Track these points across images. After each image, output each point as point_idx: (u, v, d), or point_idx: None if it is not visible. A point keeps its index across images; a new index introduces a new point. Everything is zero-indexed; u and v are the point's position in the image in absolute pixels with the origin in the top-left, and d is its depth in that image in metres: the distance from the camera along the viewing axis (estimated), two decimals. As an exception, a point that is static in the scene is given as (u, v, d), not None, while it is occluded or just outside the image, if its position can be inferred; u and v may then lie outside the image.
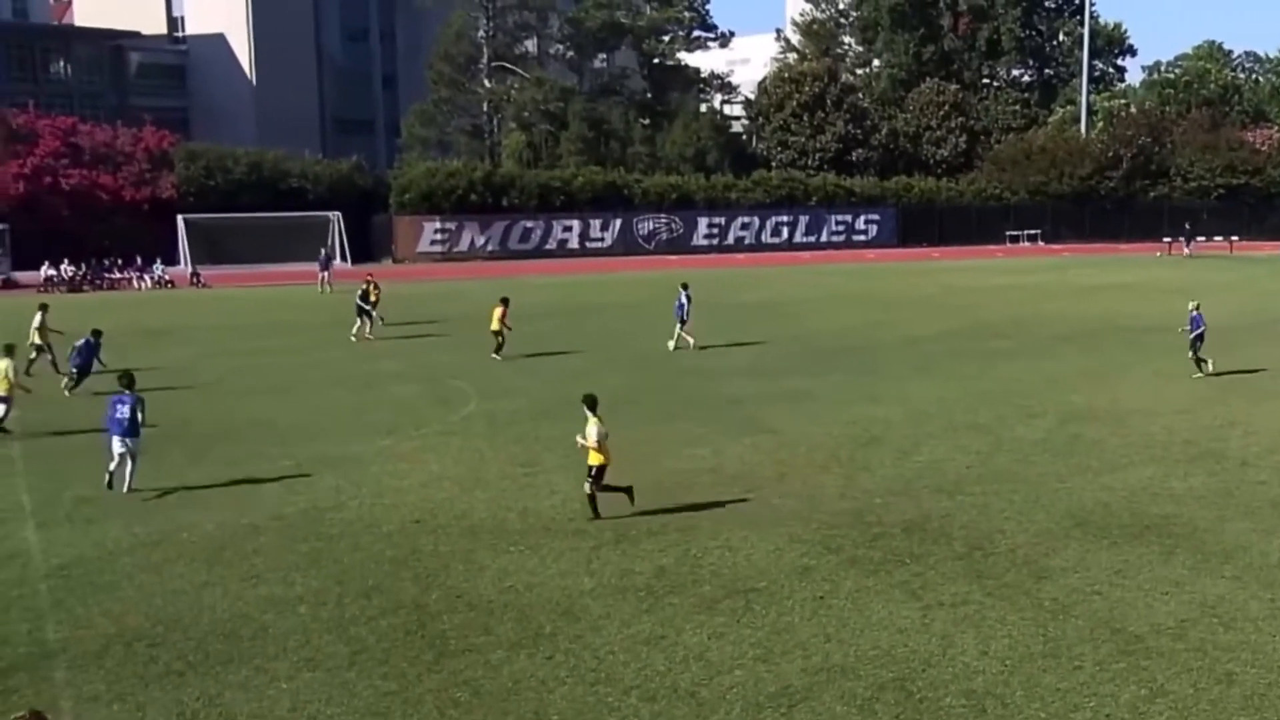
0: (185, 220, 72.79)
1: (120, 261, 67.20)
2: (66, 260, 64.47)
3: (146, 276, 65.67)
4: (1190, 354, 30.17)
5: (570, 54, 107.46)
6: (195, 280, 65.63)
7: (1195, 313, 30.45)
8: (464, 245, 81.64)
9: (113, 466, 19.68)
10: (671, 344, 36.18)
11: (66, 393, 28.83)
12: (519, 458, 21.78)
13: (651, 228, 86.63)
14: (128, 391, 19.90)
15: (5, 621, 14.09)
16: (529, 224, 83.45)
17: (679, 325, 36.53)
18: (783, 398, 27.47)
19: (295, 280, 60.10)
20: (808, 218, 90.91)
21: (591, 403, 18.08)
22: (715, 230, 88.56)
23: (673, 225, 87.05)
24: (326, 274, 59.65)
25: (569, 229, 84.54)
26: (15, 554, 16.55)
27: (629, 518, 17.73)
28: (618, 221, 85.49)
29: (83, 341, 29.76)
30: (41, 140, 75.76)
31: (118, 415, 19.57)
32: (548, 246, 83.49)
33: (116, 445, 19.55)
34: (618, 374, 31.20)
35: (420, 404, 27.47)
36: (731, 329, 41.14)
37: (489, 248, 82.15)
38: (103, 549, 16.70)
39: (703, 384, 29.57)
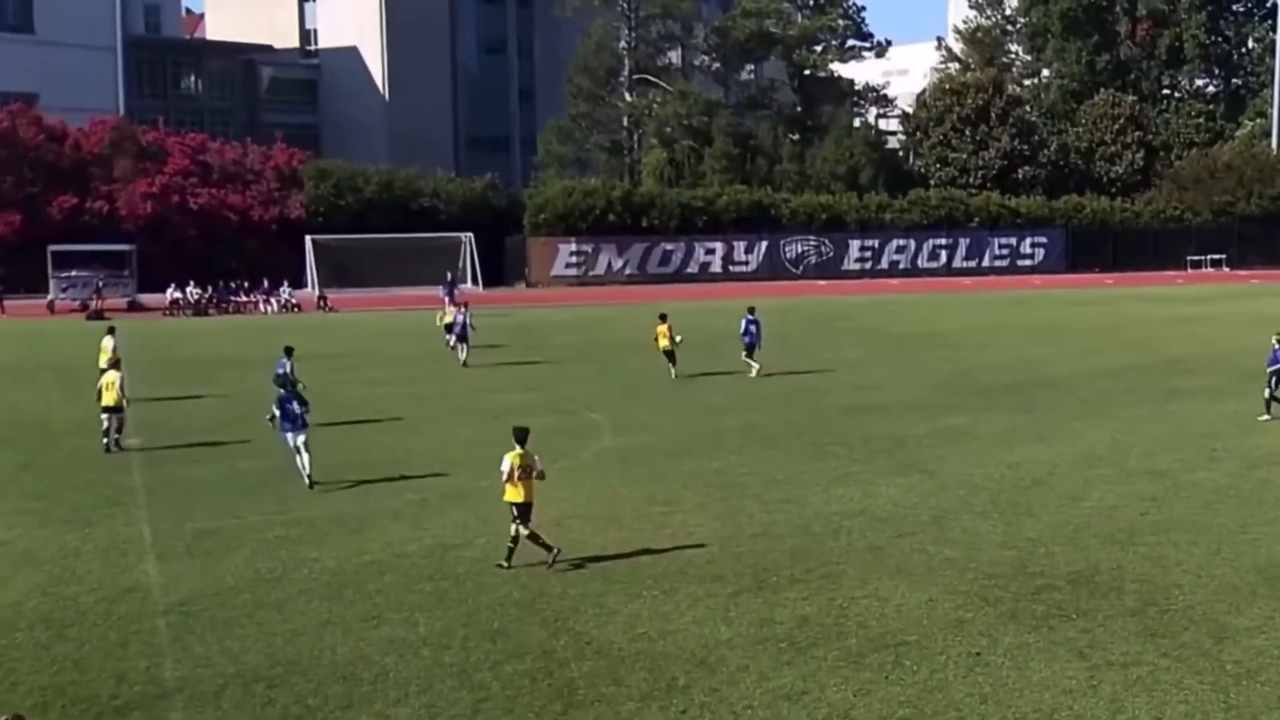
0: (313, 241, 74.58)
1: (246, 284, 68.99)
2: (192, 283, 66.35)
3: (273, 300, 67.26)
4: (1267, 391, 29.13)
5: (716, 65, 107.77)
6: (322, 304, 67.13)
7: (1278, 345, 29.30)
8: (601, 269, 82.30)
9: (302, 464, 22.70)
10: (753, 373, 36.79)
11: (270, 422, 27.67)
12: (654, 496, 21.83)
13: (800, 250, 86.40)
14: (291, 389, 23.57)
15: (123, 657, 14.52)
16: (669, 246, 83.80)
17: (745, 353, 37.26)
18: (940, 436, 27.15)
19: (424, 304, 60.99)
20: (968, 241, 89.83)
21: (519, 435, 18.06)
22: (868, 254, 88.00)
23: (822, 248, 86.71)
24: (451, 297, 60.45)
25: (712, 251, 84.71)
26: (134, 588, 17.05)
27: (770, 562, 17.63)
28: (764, 243, 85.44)
29: (284, 368, 29.15)
30: (170, 158, 78.36)
31: (296, 411, 22.85)
32: (689, 270, 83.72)
33: (293, 439, 22.72)
34: (761, 409, 31.14)
35: (551, 437, 27.58)
36: (884, 361, 40.84)
37: (627, 271, 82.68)
38: (223, 584, 17.13)
39: (853, 420, 29.36)
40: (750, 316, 37.78)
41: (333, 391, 34.61)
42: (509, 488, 17.80)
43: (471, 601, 16.28)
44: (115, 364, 28.70)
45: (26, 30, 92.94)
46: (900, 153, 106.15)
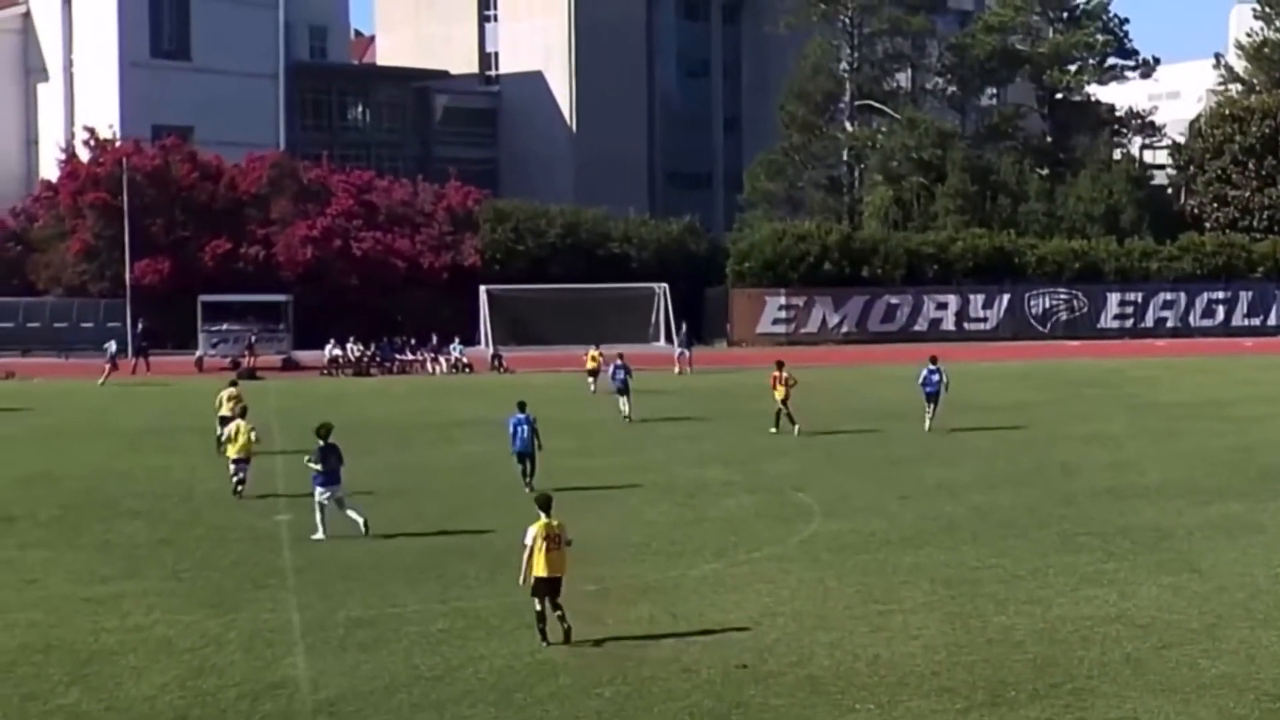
0: (488, 293, 75.73)
1: (413, 340, 70.05)
2: (353, 338, 67.66)
3: (441, 359, 68.27)
4: None
5: (951, 89, 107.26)
6: (496, 364, 68.04)
7: None
8: (814, 325, 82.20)
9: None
10: (926, 424, 40.46)
11: (525, 488, 29.43)
12: (871, 592, 21.61)
13: (1048, 305, 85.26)
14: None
15: (265, 763, 14.84)
16: (894, 299, 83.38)
17: (929, 404, 40.73)
18: (1214, 527, 26.46)
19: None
20: (1251, 294, 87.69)
21: (543, 503, 19.30)
22: (1129, 309, 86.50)
23: (1075, 302, 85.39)
24: (687, 354, 63.68)
25: (944, 306, 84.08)
26: (281, 684, 17.44)
27: (1008, 674, 17.27)
28: (1005, 297, 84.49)
29: (522, 421, 31.23)
30: (334, 198, 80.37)
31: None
32: (916, 327, 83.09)
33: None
34: (1000, 490, 30.71)
35: (754, 521, 27.63)
36: (1147, 436, 40.00)
37: (844, 328, 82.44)
38: (378, 682, 17.42)
39: (1108, 506, 28.76)
40: (933, 367, 41.20)
41: (504, 465, 35.03)
42: (538, 561, 18.70)
43: (657, 710, 16.27)
44: (243, 413, 31.57)
45: (183, 57, 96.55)
46: (1169, 190, 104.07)
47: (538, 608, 18.87)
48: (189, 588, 22.40)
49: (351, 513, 25.98)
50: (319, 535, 25.89)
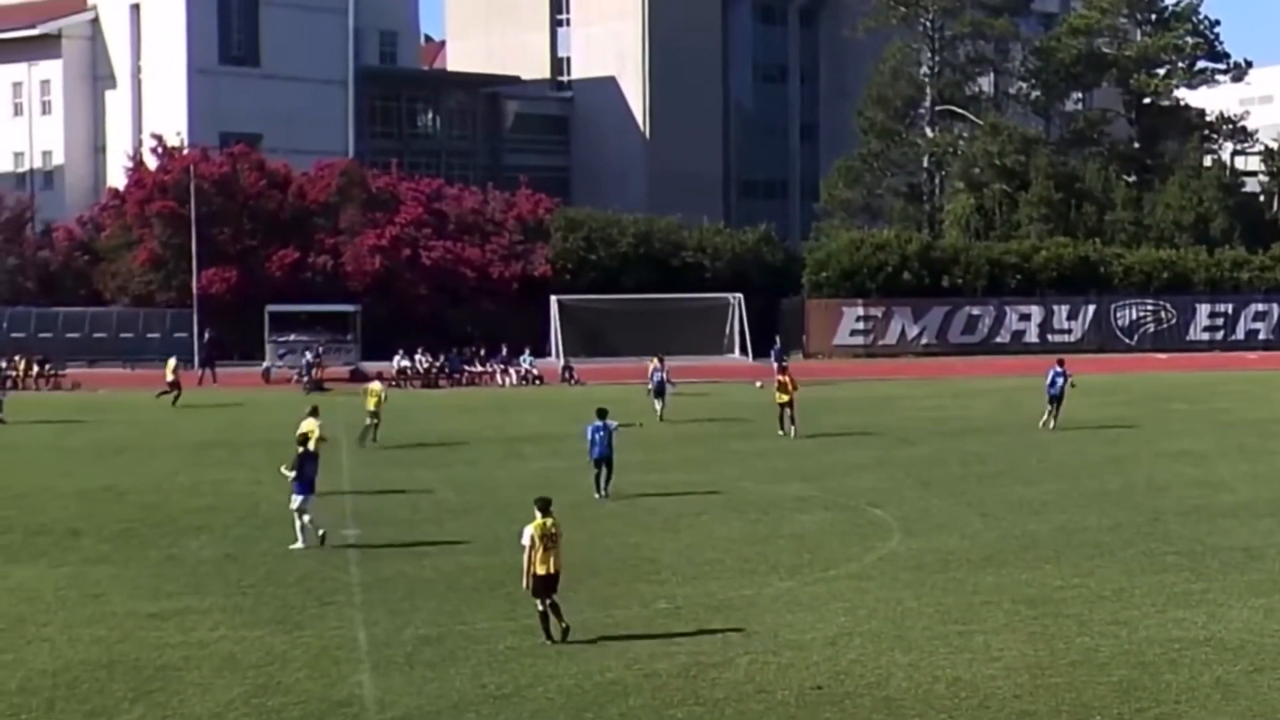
0: (559, 303, 75.92)
1: (482, 351, 70.30)
2: (422, 349, 68.00)
3: (511, 370, 68.43)
4: None
5: (1035, 94, 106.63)
6: (567, 375, 68.15)
7: None
8: (892, 337, 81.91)
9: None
10: (1050, 424, 44.79)
11: (597, 494, 32.38)
12: (951, 612, 21.52)
13: (1135, 317, 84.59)
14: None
15: (330, 783, 14.95)
16: (975, 310, 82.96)
17: (1051, 405, 44.87)
18: (1307, 547, 26.12)
19: (690, 376, 61.42)
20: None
21: (542, 504, 20.37)
22: (1219, 321, 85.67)
23: (1163, 314, 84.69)
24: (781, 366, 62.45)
25: (1027, 317, 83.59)
26: (347, 701, 17.57)
27: (1092, 698, 17.13)
28: (1091, 308, 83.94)
29: (601, 428, 32.74)
30: (403, 206, 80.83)
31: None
32: (999, 339, 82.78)
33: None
34: (1084, 509, 30.49)
35: (830, 538, 27.57)
36: (1237, 454, 39.64)
37: (924, 340, 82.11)
38: (445, 701, 17.51)
39: (1197, 525, 28.52)
40: (1059, 369, 45.29)
41: (575, 479, 35.11)
42: (537, 560, 19.79)
43: (730, 733, 16.28)
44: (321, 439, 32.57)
45: (252, 63, 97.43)
46: (1262, 197, 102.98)
47: (540, 608, 19.90)
48: (254, 603, 22.60)
49: (307, 518, 26.96)
50: (298, 545, 26.73)
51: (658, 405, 49.51)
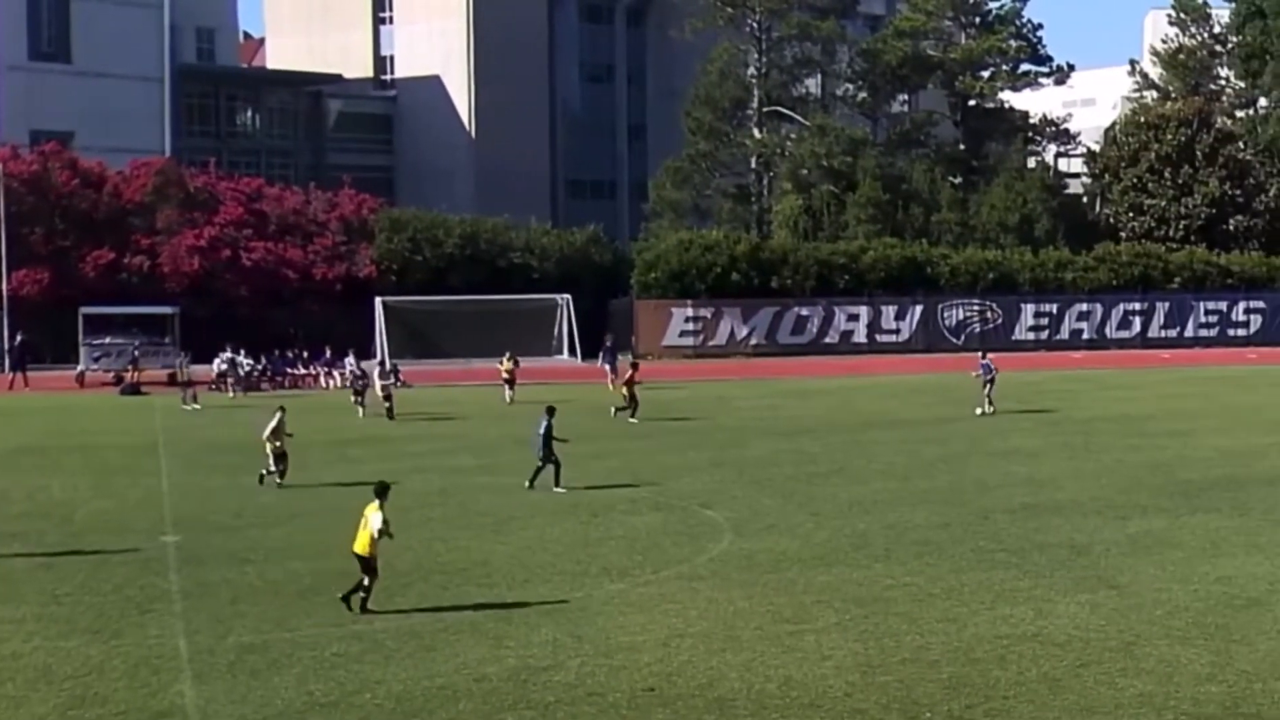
0: (384, 304, 75.39)
1: (305, 354, 69.61)
2: (243, 352, 67.09)
3: (336, 373, 67.75)
4: None
5: (862, 96, 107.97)
6: (393, 378, 67.52)
7: None
8: (721, 338, 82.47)
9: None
10: (979, 410, 48.49)
11: (527, 483, 33.61)
12: (782, 612, 21.71)
13: (961, 316, 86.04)
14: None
15: (151, 796, 14.68)
16: (804, 311, 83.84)
17: (985, 387, 49.02)
18: (1131, 543, 26.76)
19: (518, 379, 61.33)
20: (1168, 305, 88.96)
21: (381, 490, 22.26)
22: (1044, 320, 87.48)
23: (989, 314, 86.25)
24: (613, 367, 62.84)
25: (855, 317, 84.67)
26: (168, 712, 17.27)
27: (922, 695, 17.39)
28: (918, 308, 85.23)
29: (544, 426, 33.86)
30: (222, 206, 79.77)
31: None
32: (828, 339, 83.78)
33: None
34: (913, 507, 30.90)
35: (662, 539, 27.67)
36: (1063, 451, 40.43)
37: (753, 340, 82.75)
38: (270, 709, 17.30)
39: (1027, 523, 29.03)
40: (986, 361, 49.98)
41: (403, 482, 34.87)
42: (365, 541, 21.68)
43: (562, 736, 16.27)
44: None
45: (63, 59, 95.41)
46: (1084, 199, 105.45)
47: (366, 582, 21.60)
48: (70, 612, 22.10)
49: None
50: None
51: (507, 394, 54.64)
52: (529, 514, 30.69)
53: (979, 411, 48.97)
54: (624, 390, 48.60)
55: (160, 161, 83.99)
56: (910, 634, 20.36)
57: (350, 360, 68.31)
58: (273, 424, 34.71)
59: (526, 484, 33.46)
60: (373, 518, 21.68)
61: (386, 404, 50.84)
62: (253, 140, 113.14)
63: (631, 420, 47.37)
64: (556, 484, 33.24)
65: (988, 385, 49.54)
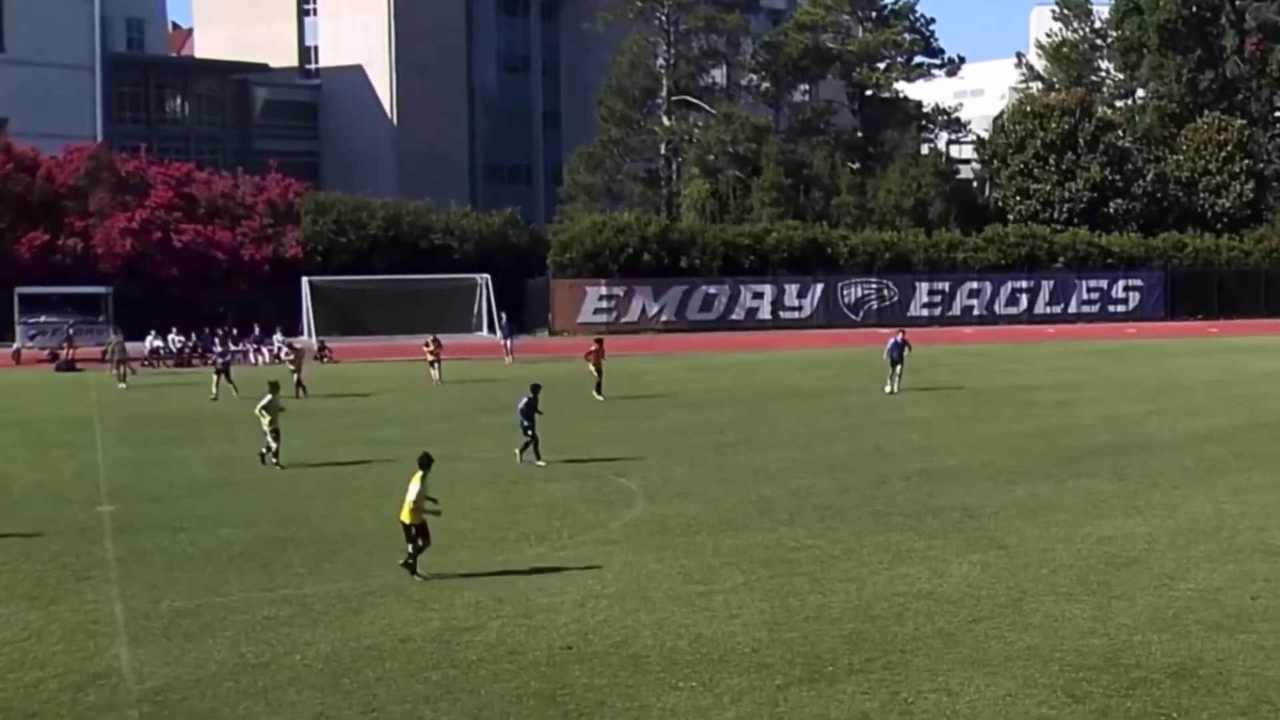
0: (310, 283, 74.94)
1: (235, 331, 69.07)
2: (175, 330, 66.57)
3: (264, 349, 67.29)
4: None
5: (765, 85, 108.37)
6: (321, 354, 67.25)
7: None
8: (634, 314, 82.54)
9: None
10: (888, 388, 46.76)
11: (518, 457, 32.71)
12: (692, 574, 21.76)
13: (860, 294, 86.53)
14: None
15: (89, 755, 14.54)
16: (712, 289, 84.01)
17: (892, 370, 47.03)
18: (1019, 507, 26.99)
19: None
20: (1052, 283, 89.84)
21: (424, 461, 21.87)
22: (937, 298, 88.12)
23: (885, 292, 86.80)
24: (510, 343, 63.78)
25: (760, 295, 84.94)
26: (104, 674, 17.08)
27: (825, 650, 17.51)
28: (819, 286, 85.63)
29: (524, 400, 33.24)
30: (153, 190, 78.97)
31: (521, 408, 32.72)
32: (734, 316, 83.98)
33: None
34: (815, 474, 31.05)
35: (578, 506, 27.67)
36: (955, 421, 40.72)
37: (664, 317, 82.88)
38: (204, 670, 17.15)
39: (921, 488, 29.23)
40: (899, 339, 47.91)
41: (331, 453, 34.74)
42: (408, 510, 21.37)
43: (484, 693, 16.24)
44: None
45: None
46: (975, 184, 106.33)
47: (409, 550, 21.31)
48: (8, 580, 21.79)
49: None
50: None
51: (434, 373, 52.98)
52: (451, 483, 30.42)
53: (888, 390, 47.13)
54: (592, 367, 46.84)
55: (92, 147, 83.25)
56: (813, 593, 20.46)
57: (278, 337, 68.07)
58: (264, 400, 32.97)
59: (529, 458, 32.52)
60: (411, 487, 21.36)
61: (295, 374, 49.18)
62: (182, 127, 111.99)
63: (598, 397, 46.02)
64: (537, 458, 32.47)
65: (898, 365, 47.43)
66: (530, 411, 32.93)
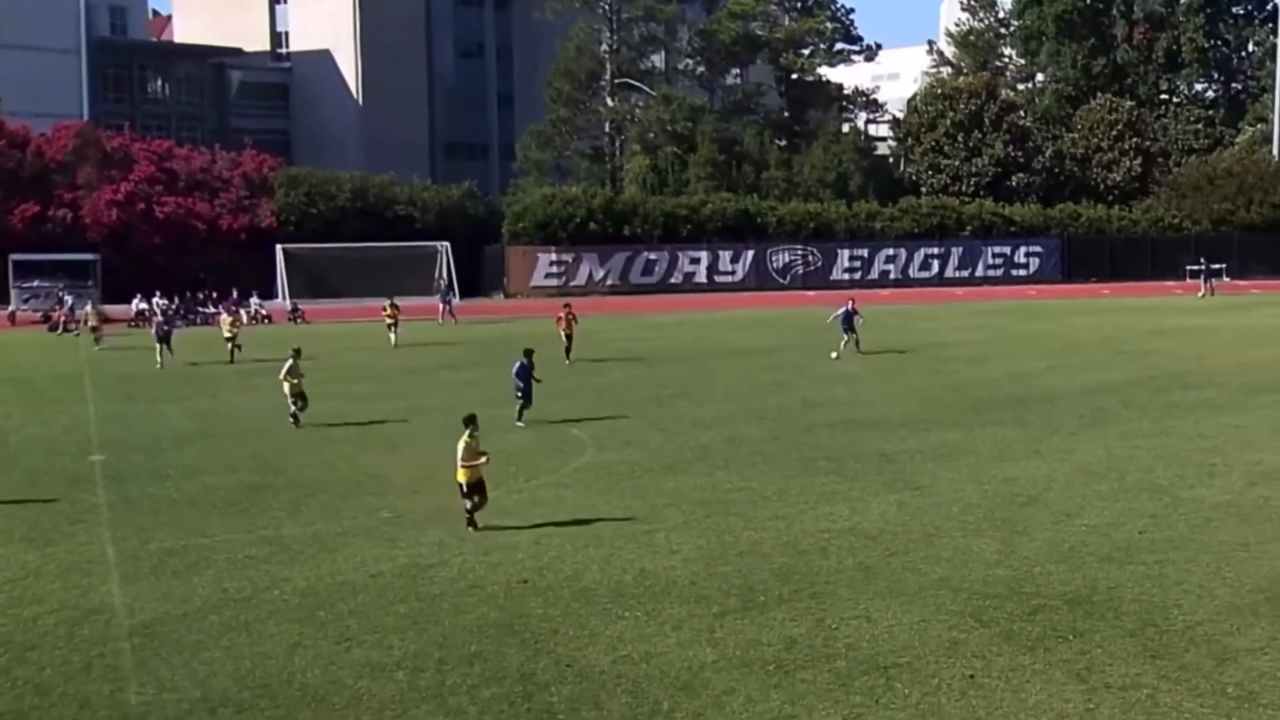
0: (284, 251, 74.56)
1: (214, 295, 68.78)
2: (158, 294, 66.12)
3: (242, 311, 66.80)
4: None
5: (700, 69, 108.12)
6: (294, 315, 66.98)
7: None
8: (581, 279, 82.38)
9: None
10: (835, 354, 44.40)
11: (520, 422, 30.89)
12: (637, 513, 21.83)
13: (787, 260, 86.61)
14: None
15: (86, 682, 14.49)
16: (652, 256, 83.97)
17: (846, 335, 44.91)
18: (932, 452, 27.16)
19: (407, 316, 60.89)
20: (961, 250, 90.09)
21: (469, 420, 21.16)
22: (857, 263, 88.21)
23: (810, 257, 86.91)
24: (448, 306, 63.52)
25: (696, 261, 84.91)
26: (98, 610, 17.00)
27: (756, 582, 17.62)
28: (750, 253, 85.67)
29: (518, 365, 31.73)
30: (136, 165, 78.42)
31: (516, 370, 31.35)
32: (673, 280, 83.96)
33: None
34: (748, 423, 31.15)
35: (533, 453, 27.66)
36: (874, 375, 40.88)
37: (609, 281, 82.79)
38: (190, 605, 17.10)
39: (844, 436, 29.36)
40: (851, 307, 45.65)
41: (312, 407, 34.51)
42: (461, 469, 20.66)
43: (448, 623, 16.26)
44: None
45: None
46: (891, 159, 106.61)
47: (466, 507, 20.65)
48: (6, 524, 21.63)
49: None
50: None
51: (392, 337, 51.61)
52: (418, 435, 30.50)
53: (834, 355, 44.37)
54: (562, 333, 44.23)
55: (80, 125, 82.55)
56: (746, 530, 20.57)
57: (255, 300, 67.90)
58: (287, 365, 32.13)
59: (516, 421, 30.80)
60: (460, 446, 20.62)
61: (229, 339, 48.03)
62: (163, 106, 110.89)
63: (566, 362, 43.36)
64: (518, 418, 30.83)
65: (852, 334, 45.19)
66: (525, 374, 31.54)
